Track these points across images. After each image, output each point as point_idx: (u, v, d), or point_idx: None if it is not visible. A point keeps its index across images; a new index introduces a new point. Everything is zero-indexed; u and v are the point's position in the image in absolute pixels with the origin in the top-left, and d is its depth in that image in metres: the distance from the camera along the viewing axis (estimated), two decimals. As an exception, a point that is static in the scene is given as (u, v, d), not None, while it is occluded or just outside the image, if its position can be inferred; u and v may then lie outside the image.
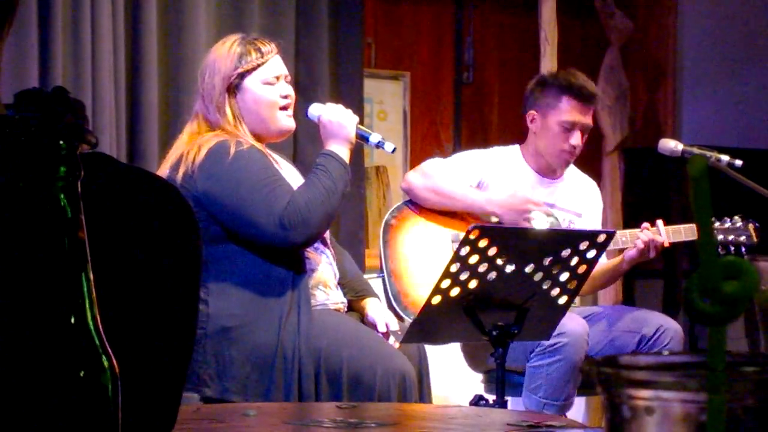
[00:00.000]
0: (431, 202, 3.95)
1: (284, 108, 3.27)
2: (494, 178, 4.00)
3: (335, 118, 3.24)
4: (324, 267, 3.25)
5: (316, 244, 3.25)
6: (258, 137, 3.27)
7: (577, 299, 3.87)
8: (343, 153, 3.20)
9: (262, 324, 3.05)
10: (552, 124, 3.99)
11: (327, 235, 3.35)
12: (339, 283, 3.35)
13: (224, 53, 3.25)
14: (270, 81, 3.24)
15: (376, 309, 3.33)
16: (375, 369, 3.01)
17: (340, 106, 3.33)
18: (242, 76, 3.22)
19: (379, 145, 3.26)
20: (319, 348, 3.04)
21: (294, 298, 3.10)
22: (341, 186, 3.15)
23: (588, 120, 4.03)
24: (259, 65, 3.24)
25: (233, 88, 3.23)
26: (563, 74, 4.09)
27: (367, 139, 3.29)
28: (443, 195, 3.92)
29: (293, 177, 3.31)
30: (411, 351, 3.24)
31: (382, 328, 3.25)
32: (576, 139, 3.99)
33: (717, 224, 4.02)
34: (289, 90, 3.30)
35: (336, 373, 3.03)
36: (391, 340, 3.25)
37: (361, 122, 4.82)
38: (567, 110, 3.98)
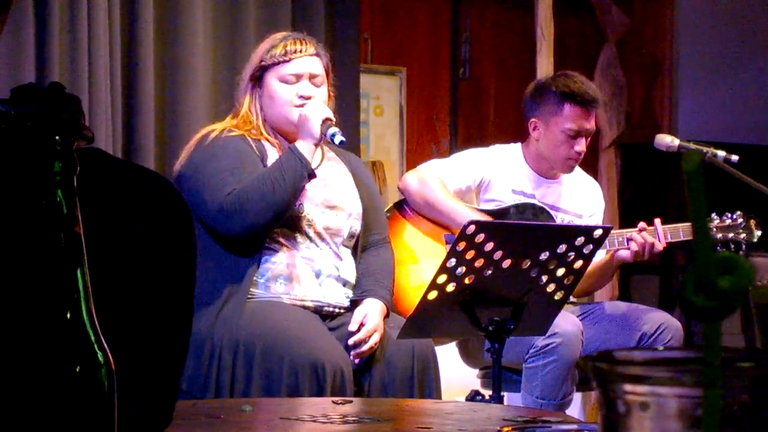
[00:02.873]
0: (422, 210, 3.90)
1: (301, 107, 3.29)
2: (496, 177, 3.96)
3: (303, 112, 3.26)
4: (283, 259, 3.21)
5: (295, 238, 3.23)
6: (278, 131, 3.35)
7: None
8: (303, 147, 3.20)
9: (203, 312, 3.06)
10: (555, 132, 3.91)
11: (342, 230, 3.31)
12: (357, 283, 3.33)
13: (261, 46, 3.39)
14: (287, 79, 3.30)
15: (361, 309, 3.26)
16: (282, 361, 2.99)
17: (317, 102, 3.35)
18: (264, 69, 3.33)
19: (331, 137, 3.26)
20: (237, 340, 3.05)
21: (231, 289, 3.12)
22: (291, 178, 3.14)
23: (591, 125, 3.94)
24: (279, 62, 3.30)
25: (256, 80, 3.34)
26: (562, 80, 3.94)
27: (325, 134, 3.29)
28: (433, 207, 3.85)
29: (336, 179, 3.38)
30: (405, 347, 3.20)
31: (351, 327, 3.19)
32: (581, 145, 3.91)
33: (717, 221, 3.97)
34: (312, 91, 3.31)
35: (249, 366, 3.03)
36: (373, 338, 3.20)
37: (357, 117, 4.85)
38: (570, 118, 3.89)
